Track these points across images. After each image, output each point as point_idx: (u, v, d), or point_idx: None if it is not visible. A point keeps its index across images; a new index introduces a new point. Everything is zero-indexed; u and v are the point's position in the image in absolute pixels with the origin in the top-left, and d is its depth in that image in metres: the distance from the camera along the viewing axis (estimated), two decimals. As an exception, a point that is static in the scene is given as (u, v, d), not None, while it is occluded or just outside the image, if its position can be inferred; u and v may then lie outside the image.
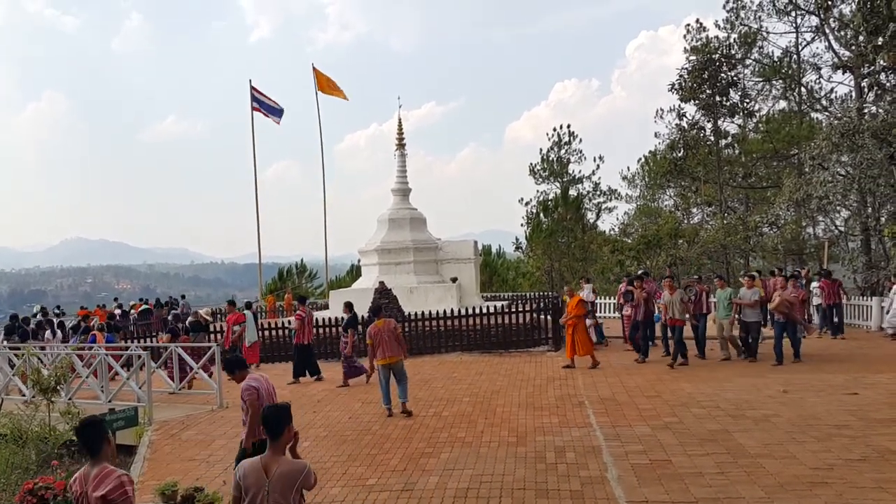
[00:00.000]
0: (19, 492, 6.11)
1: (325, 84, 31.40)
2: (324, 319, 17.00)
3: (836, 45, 27.48)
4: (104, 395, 11.47)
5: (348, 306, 13.63)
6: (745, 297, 13.25)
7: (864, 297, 18.95)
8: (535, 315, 16.51)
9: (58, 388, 10.54)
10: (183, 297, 27.23)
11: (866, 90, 24.75)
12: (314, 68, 31.23)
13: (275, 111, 31.35)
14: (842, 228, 26.54)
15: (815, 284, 17.66)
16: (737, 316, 13.38)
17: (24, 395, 11.91)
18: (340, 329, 14.08)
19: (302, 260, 40.30)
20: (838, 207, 25.16)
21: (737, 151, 33.02)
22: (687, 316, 13.55)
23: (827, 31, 27.71)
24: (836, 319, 16.79)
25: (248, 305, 16.51)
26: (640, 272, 16.69)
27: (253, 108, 30.63)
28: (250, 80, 30.63)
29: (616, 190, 40.00)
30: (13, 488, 7.27)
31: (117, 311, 24.30)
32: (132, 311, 23.76)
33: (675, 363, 12.94)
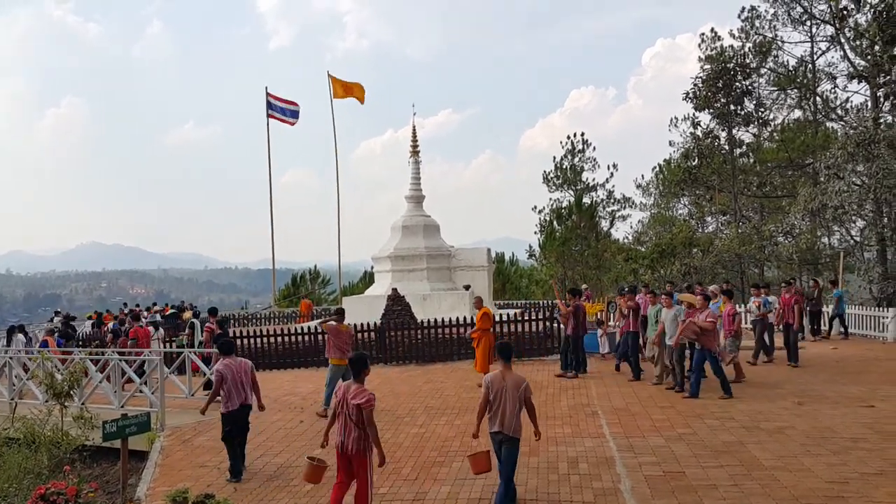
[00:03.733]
0: (31, 497, 6.13)
1: (340, 89, 31.62)
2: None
3: (851, 55, 27.30)
4: (117, 399, 11.53)
5: (220, 323, 14.09)
6: (664, 319, 11.53)
7: (881, 308, 18.72)
8: (547, 323, 16.44)
9: (71, 392, 10.63)
10: (154, 304, 27.65)
11: (882, 100, 24.57)
12: (329, 75, 31.49)
13: (290, 113, 31.65)
14: (857, 238, 26.26)
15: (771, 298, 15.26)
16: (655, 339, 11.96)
17: (37, 400, 11.99)
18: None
19: (315, 266, 40.55)
20: (854, 217, 24.92)
21: (751, 160, 32.85)
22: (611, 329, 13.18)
23: (842, 40, 27.52)
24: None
25: (213, 312, 15.95)
26: (626, 287, 16.33)
27: (268, 115, 30.96)
28: (266, 87, 30.98)
29: (630, 198, 39.98)
30: (25, 493, 7.30)
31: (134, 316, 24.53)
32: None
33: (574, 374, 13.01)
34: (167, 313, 23.10)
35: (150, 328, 16.77)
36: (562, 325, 14.23)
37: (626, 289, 15.02)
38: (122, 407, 11.17)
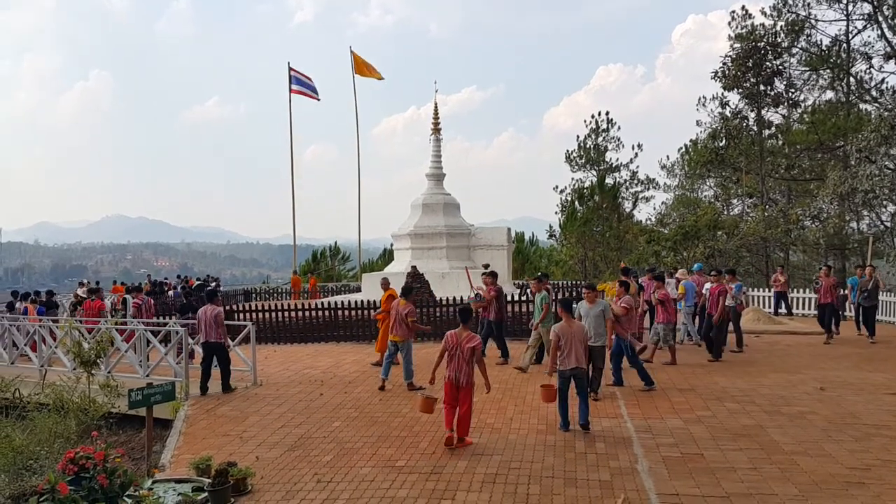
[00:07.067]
0: (61, 460, 6.30)
1: (362, 66, 31.53)
2: (357, 302, 17.14)
3: (889, 34, 26.51)
4: (142, 369, 11.76)
5: (186, 293, 14.39)
6: (585, 314, 9.97)
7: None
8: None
9: (97, 361, 10.87)
10: (178, 275, 28.27)
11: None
12: (352, 51, 31.38)
13: (311, 88, 31.69)
14: (888, 224, 25.74)
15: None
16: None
17: (65, 367, 12.28)
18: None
19: (336, 242, 40.75)
20: (885, 202, 24.39)
21: (780, 142, 32.19)
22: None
23: (880, 18, 26.72)
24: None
25: (138, 288, 16.45)
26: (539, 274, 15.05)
27: (291, 91, 30.97)
28: (289, 63, 30.96)
29: (654, 179, 39.40)
30: (55, 456, 7.52)
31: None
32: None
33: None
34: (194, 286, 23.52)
35: (107, 303, 17.33)
36: (478, 310, 13.26)
37: (540, 274, 14.39)
38: (148, 376, 11.41)
